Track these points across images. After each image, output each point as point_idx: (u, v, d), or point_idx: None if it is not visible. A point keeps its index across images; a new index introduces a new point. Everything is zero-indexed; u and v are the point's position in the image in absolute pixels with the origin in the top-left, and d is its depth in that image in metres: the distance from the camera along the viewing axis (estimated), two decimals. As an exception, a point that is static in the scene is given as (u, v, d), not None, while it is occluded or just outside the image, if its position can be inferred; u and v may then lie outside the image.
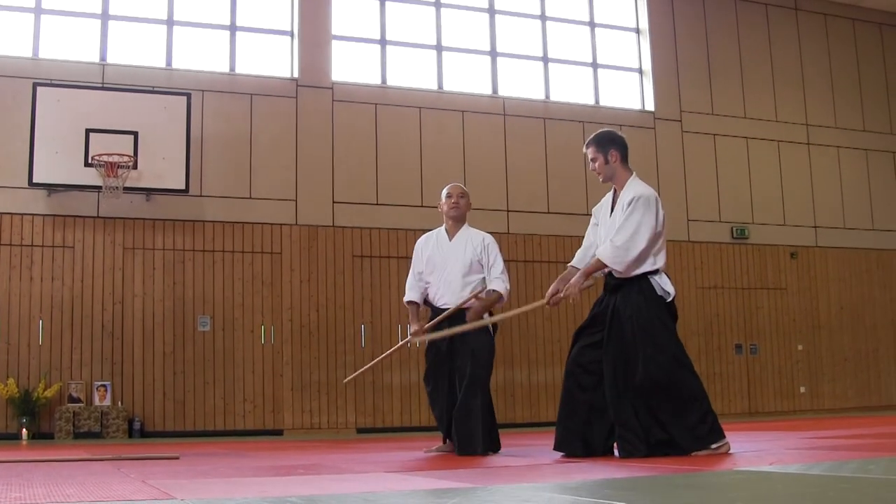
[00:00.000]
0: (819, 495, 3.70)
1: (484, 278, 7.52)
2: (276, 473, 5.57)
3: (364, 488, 4.53)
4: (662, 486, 4.40)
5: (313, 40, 15.62)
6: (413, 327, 7.69)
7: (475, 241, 7.59)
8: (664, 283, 6.43)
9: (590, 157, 6.79)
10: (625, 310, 6.38)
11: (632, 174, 6.73)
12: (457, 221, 7.71)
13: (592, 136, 6.88)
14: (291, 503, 3.78)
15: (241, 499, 4.10)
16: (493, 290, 7.45)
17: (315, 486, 4.75)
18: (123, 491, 4.48)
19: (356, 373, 9.05)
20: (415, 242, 7.95)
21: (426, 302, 7.78)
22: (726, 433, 6.25)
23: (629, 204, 6.45)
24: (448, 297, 7.52)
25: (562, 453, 6.49)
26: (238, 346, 14.46)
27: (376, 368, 14.83)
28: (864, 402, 18.20)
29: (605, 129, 7.02)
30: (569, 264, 6.86)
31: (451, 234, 7.70)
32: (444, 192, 7.81)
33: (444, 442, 7.63)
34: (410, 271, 7.85)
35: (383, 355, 8.60)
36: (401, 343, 8.25)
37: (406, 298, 7.85)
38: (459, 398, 7.26)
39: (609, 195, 6.86)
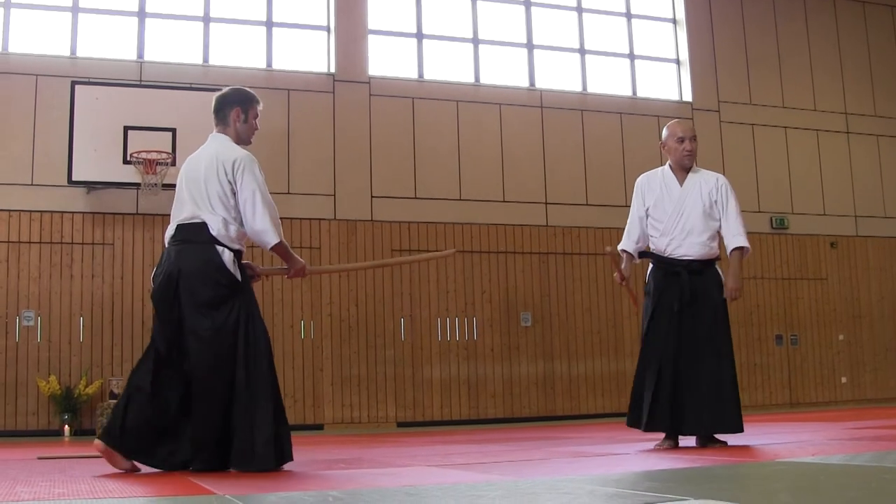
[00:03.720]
0: (862, 486, 3.68)
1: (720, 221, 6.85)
2: (316, 468, 5.59)
3: (405, 482, 4.54)
4: (704, 477, 4.39)
5: (349, 35, 15.63)
6: (617, 272, 7.07)
7: (710, 183, 6.87)
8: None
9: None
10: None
11: None
12: (686, 169, 6.97)
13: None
14: (333, 497, 3.79)
15: (282, 494, 4.11)
16: (735, 249, 6.84)
17: (356, 480, 4.76)
18: (164, 487, 4.51)
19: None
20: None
21: (646, 253, 7.06)
22: (767, 424, 6.24)
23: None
24: (686, 247, 6.80)
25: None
26: (278, 341, 14.45)
27: (416, 364, 14.89)
28: (908, 392, 18.04)
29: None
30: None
31: (679, 177, 6.94)
32: (677, 133, 6.97)
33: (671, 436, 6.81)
34: (630, 216, 7.12)
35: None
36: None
37: (620, 246, 7.13)
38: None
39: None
